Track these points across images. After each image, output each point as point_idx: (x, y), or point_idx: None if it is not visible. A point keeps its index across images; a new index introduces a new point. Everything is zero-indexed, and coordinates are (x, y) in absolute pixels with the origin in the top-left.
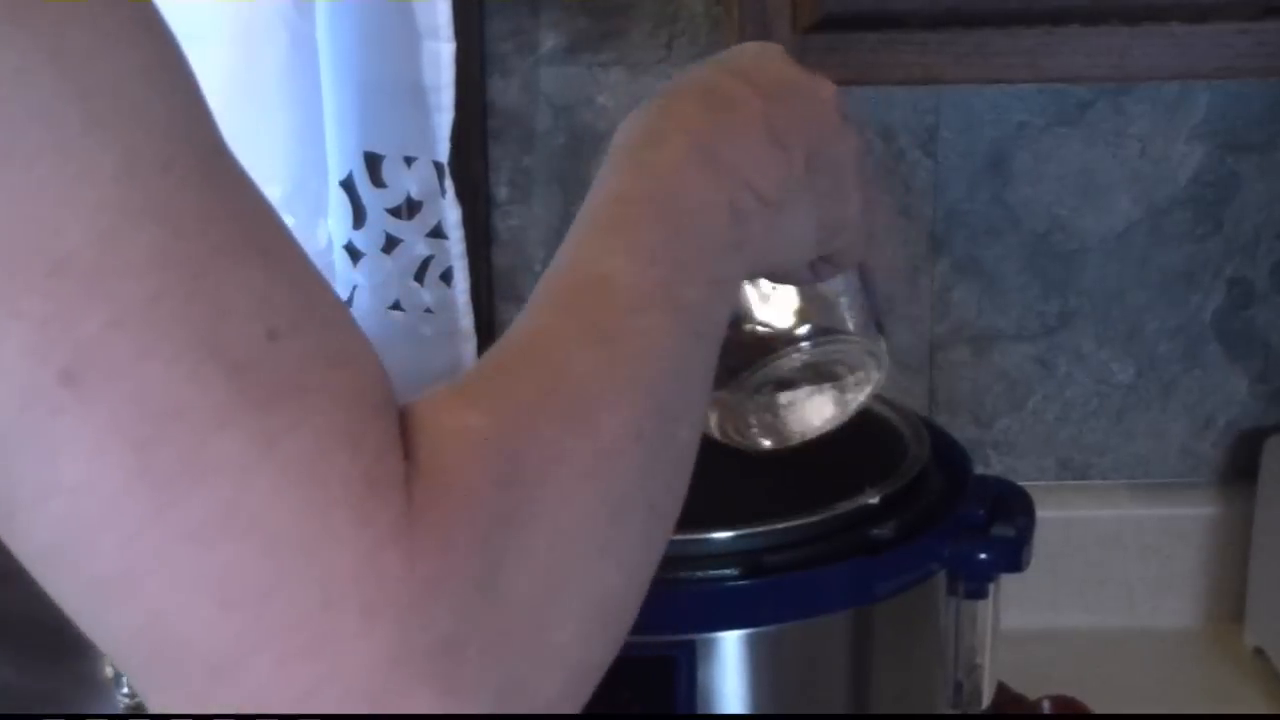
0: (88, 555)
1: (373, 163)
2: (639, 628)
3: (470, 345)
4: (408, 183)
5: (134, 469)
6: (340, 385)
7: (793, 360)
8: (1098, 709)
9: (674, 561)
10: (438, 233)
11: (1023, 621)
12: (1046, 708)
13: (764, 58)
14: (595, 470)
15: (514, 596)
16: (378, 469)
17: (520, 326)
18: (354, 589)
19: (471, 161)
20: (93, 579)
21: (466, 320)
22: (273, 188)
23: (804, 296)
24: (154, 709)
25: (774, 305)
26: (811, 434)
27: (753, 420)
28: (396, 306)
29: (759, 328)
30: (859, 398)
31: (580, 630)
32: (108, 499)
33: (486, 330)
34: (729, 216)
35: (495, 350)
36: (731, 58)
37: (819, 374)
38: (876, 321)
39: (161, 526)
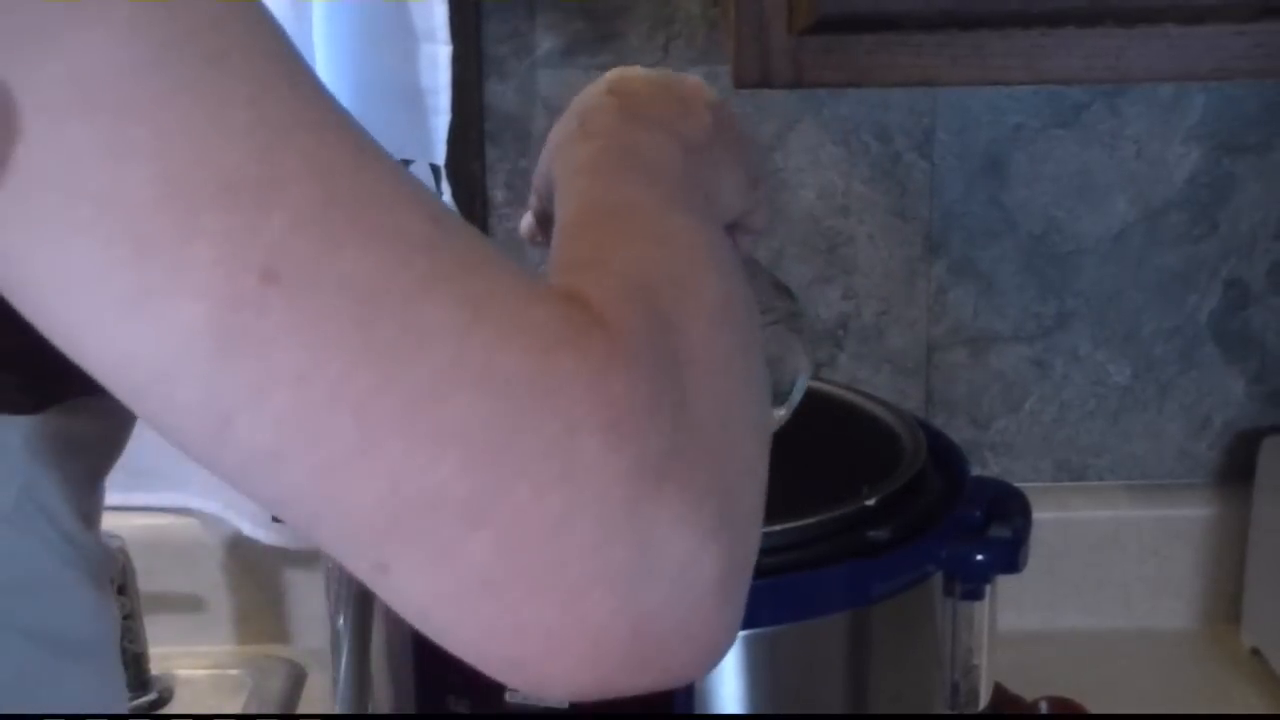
0: (319, 439)
1: None
2: None
3: None
4: None
5: (357, 345)
6: (495, 253)
7: None
8: (1095, 709)
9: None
10: None
11: (1020, 622)
12: (1044, 708)
13: (621, 74)
14: (717, 318)
15: (705, 418)
16: (576, 315)
17: (566, 253)
18: (590, 413)
19: (468, 164)
20: (322, 464)
21: None
22: None
23: None
24: (396, 576)
25: None
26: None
27: None
28: None
29: None
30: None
31: (757, 448)
32: (336, 378)
33: None
34: (680, 153)
35: (565, 256)
36: (589, 91)
37: None
38: (784, 287)
39: (395, 391)
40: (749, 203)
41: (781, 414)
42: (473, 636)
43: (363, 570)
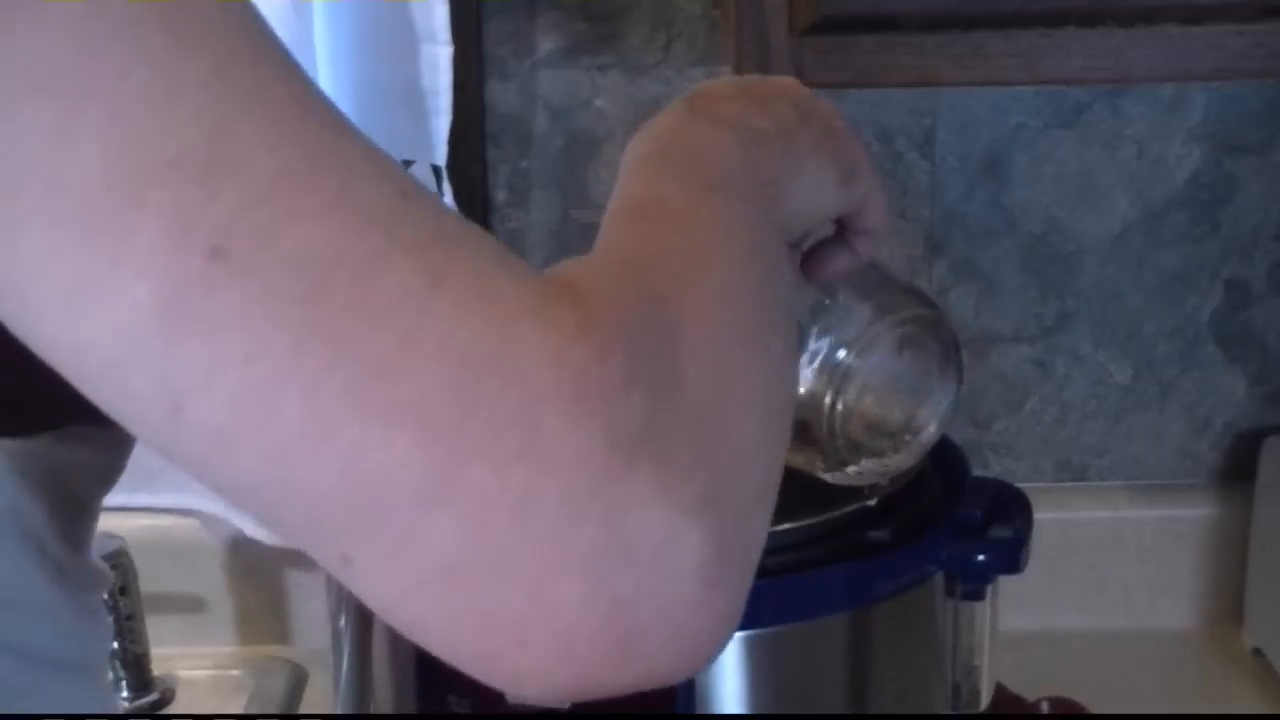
0: (271, 419)
1: None
2: None
3: None
4: None
5: (306, 322)
6: (471, 229)
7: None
8: (1096, 710)
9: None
10: None
11: (1021, 623)
12: (1045, 708)
13: (708, 82)
14: (723, 296)
15: (695, 393)
16: (544, 287)
17: (596, 245)
18: (554, 385)
19: (470, 164)
20: (274, 447)
21: None
22: None
23: (823, 317)
24: (359, 568)
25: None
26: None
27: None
28: None
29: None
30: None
31: (759, 428)
32: (284, 357)
33: None
34: (739, 146)
35: (587, 257)
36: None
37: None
38: (921, 293)
39: (346, 367)
40: (847, 200)
41: (925, 437)
42: (442, 630)
43: (330, 563)
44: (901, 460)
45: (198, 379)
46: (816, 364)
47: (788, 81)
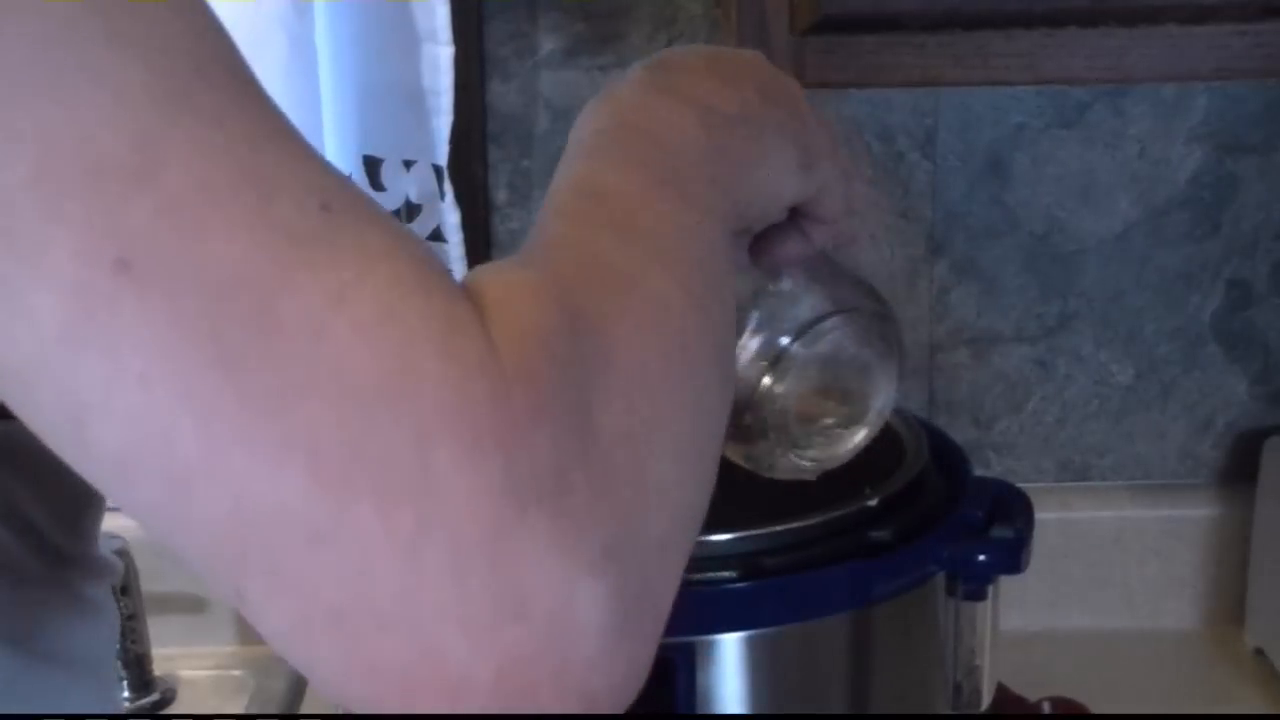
0: (164, 445)
1: (372, 166)
2: None
3: None
4: (407, 186)
5: (201, 343)
6: (400, 244)
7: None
8: (1098, 710)
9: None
10: (437, 236)
11: (1023, 623)
12: (1046, 709)
13: (670, 50)
14: (651, 320)
15: (608, 432)
16: (454, 309)
17: (533, 238)
18: (448, 422)
19: (471, 165)
20: (171, 472)
21: None
22: None
23: (768, 307)
24: (252, 605)
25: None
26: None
27: (794, 456)
28: None
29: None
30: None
31: (676, 470)
32: (178, 378)
33: None
34: (701, 129)
35: (519, 252)
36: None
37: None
38: (869, 288)
39: (238, 395)
40: (806, 187)
41: (858, 438)
42: (328, 674)
43: (225, 596)
44: (831, 457)
45: (98, 397)
46: (755, 348)
47: (754, 56)
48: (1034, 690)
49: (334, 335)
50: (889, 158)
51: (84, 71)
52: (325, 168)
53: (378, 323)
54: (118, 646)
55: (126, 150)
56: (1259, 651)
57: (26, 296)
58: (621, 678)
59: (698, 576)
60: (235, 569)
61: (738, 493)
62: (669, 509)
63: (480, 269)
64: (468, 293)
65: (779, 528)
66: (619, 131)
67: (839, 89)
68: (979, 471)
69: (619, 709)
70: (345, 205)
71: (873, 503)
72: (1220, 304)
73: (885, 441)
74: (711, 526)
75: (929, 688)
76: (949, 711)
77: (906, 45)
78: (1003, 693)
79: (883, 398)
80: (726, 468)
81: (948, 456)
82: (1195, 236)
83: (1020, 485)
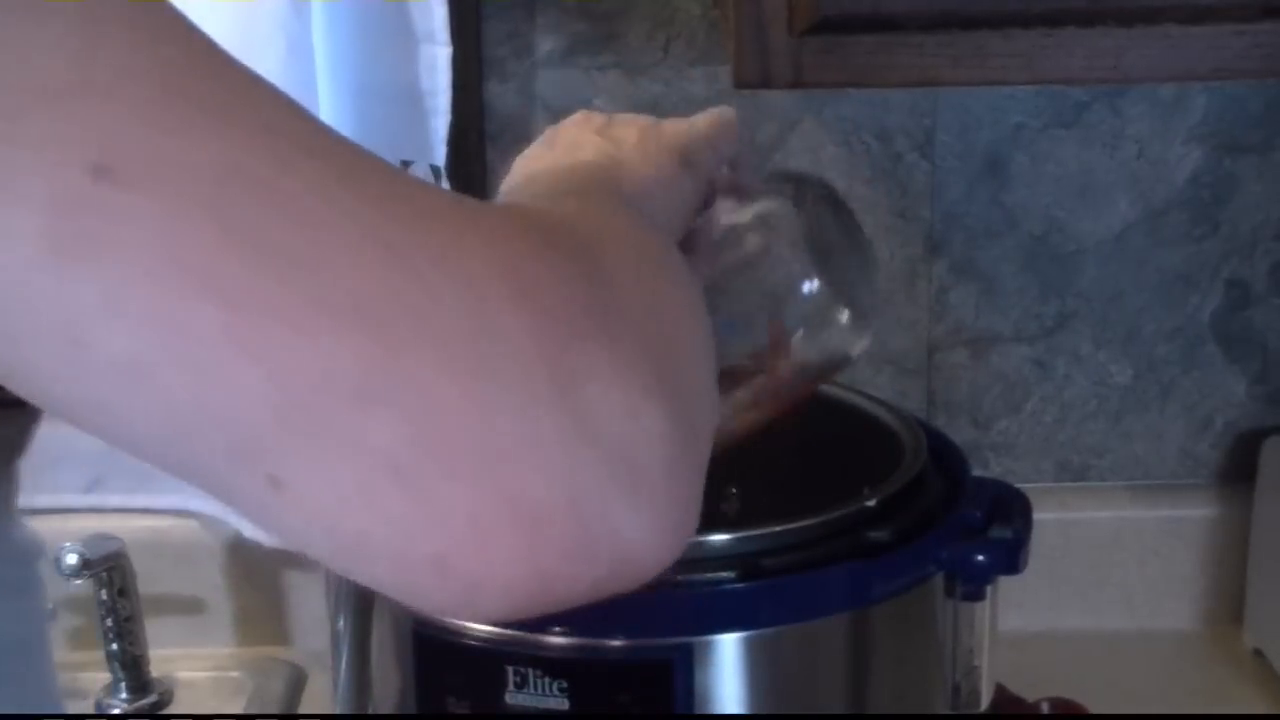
0: (182, 336)
1: None
2: (636, 630)
3: None
4: None
5: (207, 226)
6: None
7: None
8: (1097, 710)
9: (671, 564)
10: None
11: (1022, 623)
12: (1046, 709)
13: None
14: (628, 239)
15: (625, 293)
16: (467, 200)
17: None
18: (496, 270)
19: (469, 165)
20: (191, 363)
21: None
22: None
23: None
24: (293, 487)
25: None
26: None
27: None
28: None
29: None
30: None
31: (691, 338)
32: (189, 264)
33: None
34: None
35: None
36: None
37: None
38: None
39: (259, 266)
40: (698, 175)
41: (848, 320)
42: (388, 540)
43: (255, 493)
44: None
45: (100, 305)
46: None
47: (577, 118)
48: (1033, 691)
49: (353, 209)
50: (887, 158)
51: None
52: (282, 95)
53: (396, 199)
54: (111, 652)
55: (70, 71)
56: (1258, 652)
57: (3, 223)
58: (681, 509)
59: (696, 577)
60: (270, 455)
61: (737, 493)
62: (695, 367)
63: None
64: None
65: (777, 528)
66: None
67: (837, 89)
68: (978, 472)
69: (671, 555)
70: (316, 125)
71: (871, 503)
72: (1219, 304)
73: (884, 442)
74: (710, 527)
75: (928, 688)
76: (948, 712)
77: (904, 45)
78: (1001, 693)
79: (866, 287)
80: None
81: (946, 457)
82: (1194, 237)
83: (1019, 485)
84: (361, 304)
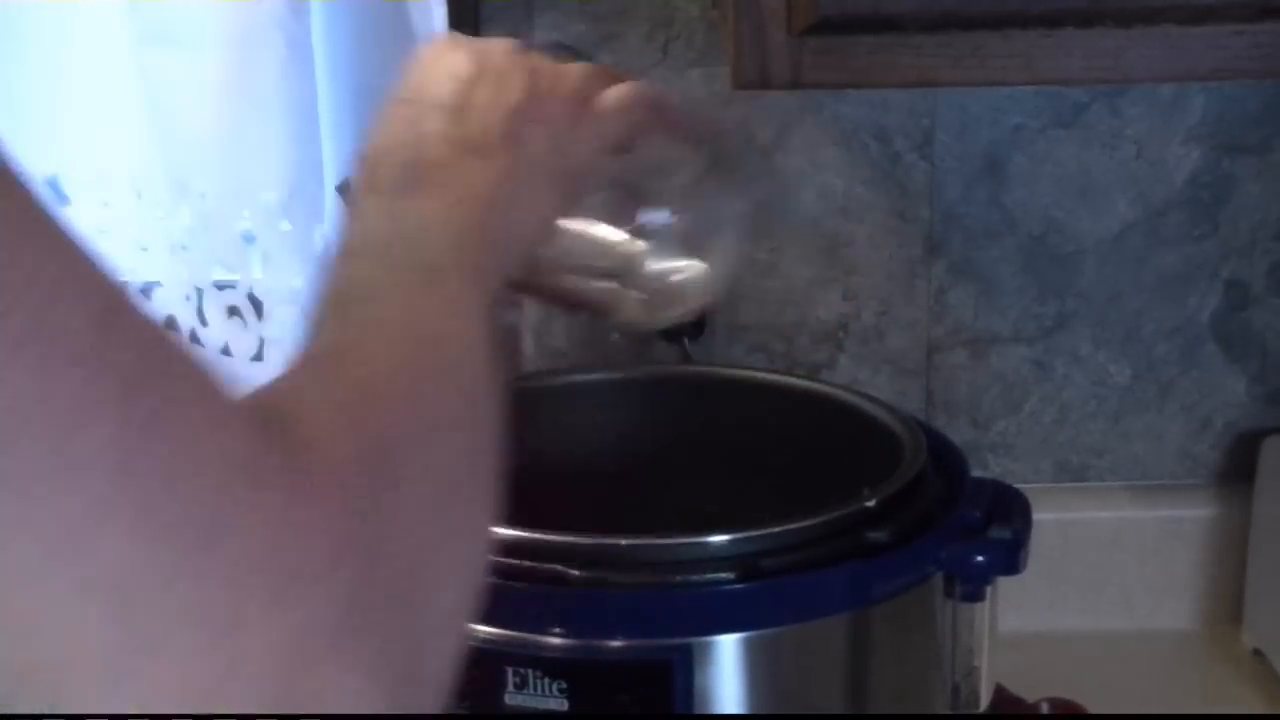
0: None
1: None
2: (636, 631)
3: None
4: None
5: None
6: (192, 367)
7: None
8: (1096, 711)
9: (670, 565)
10: None
11: (1021, 624)
12: (1045, 709)
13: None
14: (439, 438)
15: (398, 565)
16: (267, 445)
17: (313, 339)
18: (260, 564)
19: None
20: None
21: None
22: (269, 193)
23: None
24: None
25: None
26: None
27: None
28: None
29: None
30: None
31: (456, 598)
32: None
33: None
34: (446, 215)
35: (304, 357)
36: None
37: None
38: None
39: (32, 532)
40: (635, 157)
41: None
42: None
43: None
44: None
45: None
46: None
47: (499, 53)
48: (1032, 691)
49: (136, 472)
50: (886, 158)
51: None
52: (92, 267)
53: (186, 460)
54: None
55: None
56: (1257, 652)
57: None
58: None
59: (695, 578)
60: (14, 702)
61: (735, 493)
62: (452, 636)
63: (277, 384)
64: (266, 415)
65: (777, 528)
66: (386, 214)
67: (836, 90)
68: (977, 472)
69: None
70: (117, 315)
71: (871, 503)
72: (1218, 304)
73: (883, 442)
74: (709, 527)
75: (927, 689)
76: (947, 712)
77: (904, 46)
78: (1001, 693)
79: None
80: (726, 472)
81: (946, 457)
82: (1193, 237)
83: (1018, 486)
84: (124, 585)
